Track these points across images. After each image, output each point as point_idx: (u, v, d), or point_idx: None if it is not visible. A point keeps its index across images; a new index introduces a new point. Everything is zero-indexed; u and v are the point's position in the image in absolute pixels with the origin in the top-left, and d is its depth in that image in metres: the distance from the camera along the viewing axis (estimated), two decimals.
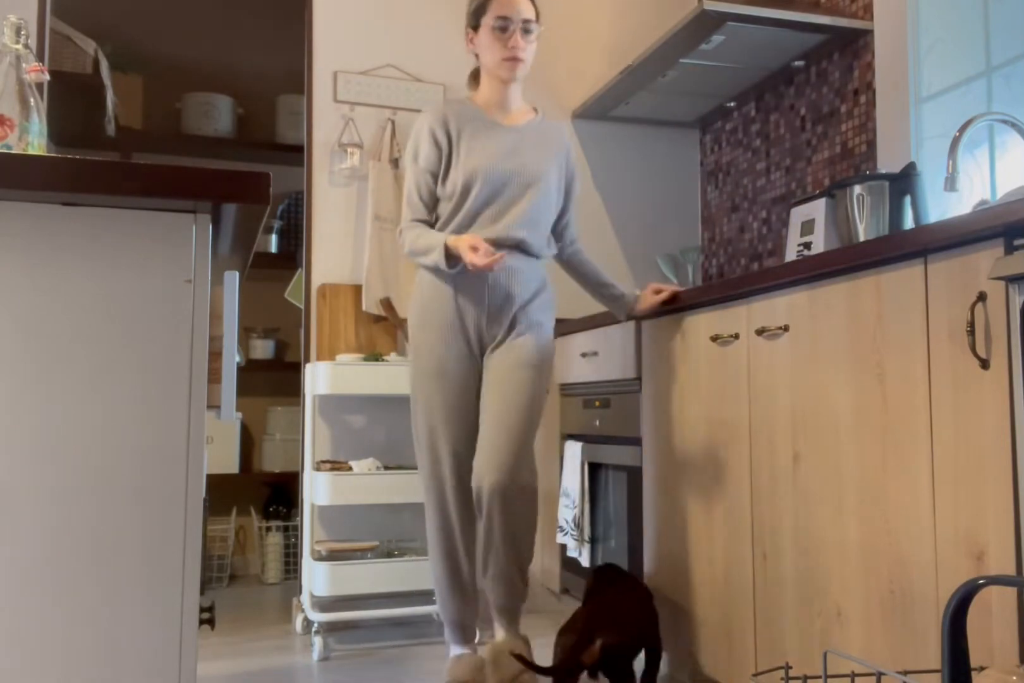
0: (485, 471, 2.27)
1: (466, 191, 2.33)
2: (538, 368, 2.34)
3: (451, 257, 2.26)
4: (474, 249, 2.19)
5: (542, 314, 2.40)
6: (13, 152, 1.29)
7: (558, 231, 2.52)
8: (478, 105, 2.43)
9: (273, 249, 4.35)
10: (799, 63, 2.97)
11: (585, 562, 2.78)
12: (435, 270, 2.34)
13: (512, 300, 2.35)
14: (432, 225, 2.40)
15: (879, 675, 1.09)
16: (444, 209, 2.38)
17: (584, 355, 2.87)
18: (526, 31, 2.31)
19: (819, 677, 1.15)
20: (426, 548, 3.00)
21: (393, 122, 3.30)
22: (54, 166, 1.11)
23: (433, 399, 2.34)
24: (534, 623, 3.02)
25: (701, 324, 2.23)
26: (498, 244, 2.31)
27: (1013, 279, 1.39)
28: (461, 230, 2.34)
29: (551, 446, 3.22)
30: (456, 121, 2.38)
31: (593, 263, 2.59)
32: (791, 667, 1.59)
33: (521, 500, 2.33)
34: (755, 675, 1.38)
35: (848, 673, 1.17)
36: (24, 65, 1.35)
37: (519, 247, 2.36)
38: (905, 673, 1.03)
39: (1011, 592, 1.39)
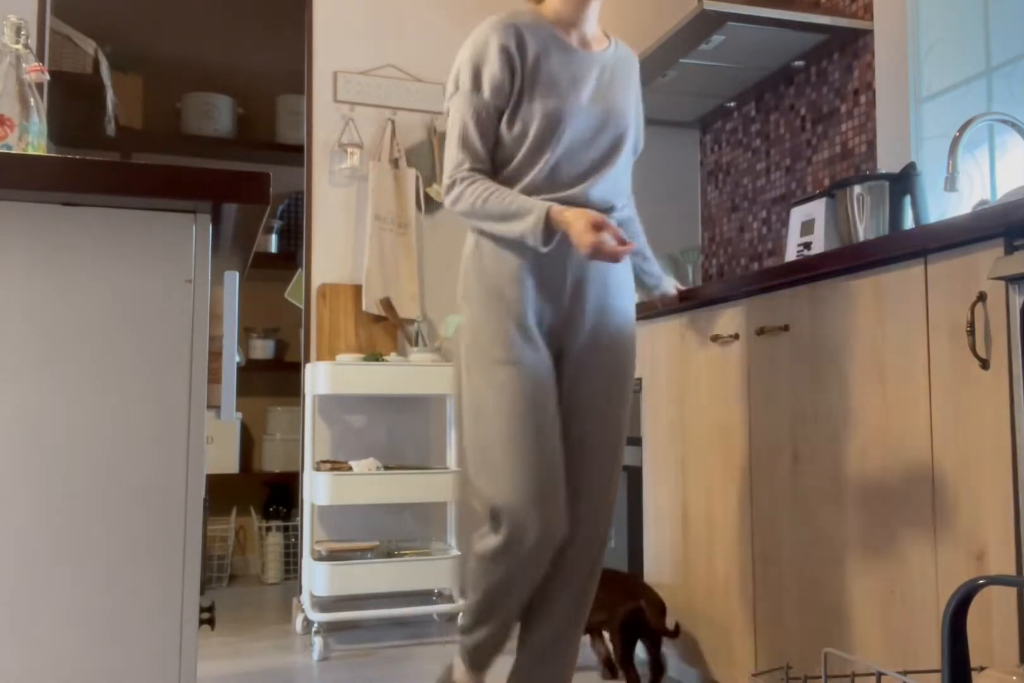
0: (573, 521, 1.83)
1: (544, 138, 1.79)
2: (630, 377, 1.93)
3: (549, 231, 1.74)
4: (597, 228, 1.67)
5: (627, 299, 1.94)
6: (13, 152, 1.29)
7: None
8: (550, 22, 1.86)
9: (273, 249, 4.35)
10: (799, 63, 2.97)
11: None
12: (501, 240, 1.82)
13: (600, 283, 1.86)
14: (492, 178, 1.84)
15: (879, 675, 1.09)
16: (504, 160, 1.84)
17: None
18: None
19: (819, 677, 1.15)
20: (427, 547, 3.00)
21: (393, 122, 3.30)
22: (54, 166, 1.10)
23: (513, 398, 1.76)
24: None
25: (701, 324, 2.23)
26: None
27: (1013, 279, 1.39)
28: (533, 192, 1.81)
29: None
30: (534, 41, 1.81)
31: (641, 229, 2.14)
32: (791, 667, 1.59)
33: (601, 561, 1.93)
34: (755, 675, 1.38)
35: (848, 673, 1.17)
36: (24, 65, 1.35)
37: (608, 216, 1.87)
38: (905, 673, 1.03)
39: (1011, 592, 1.39)
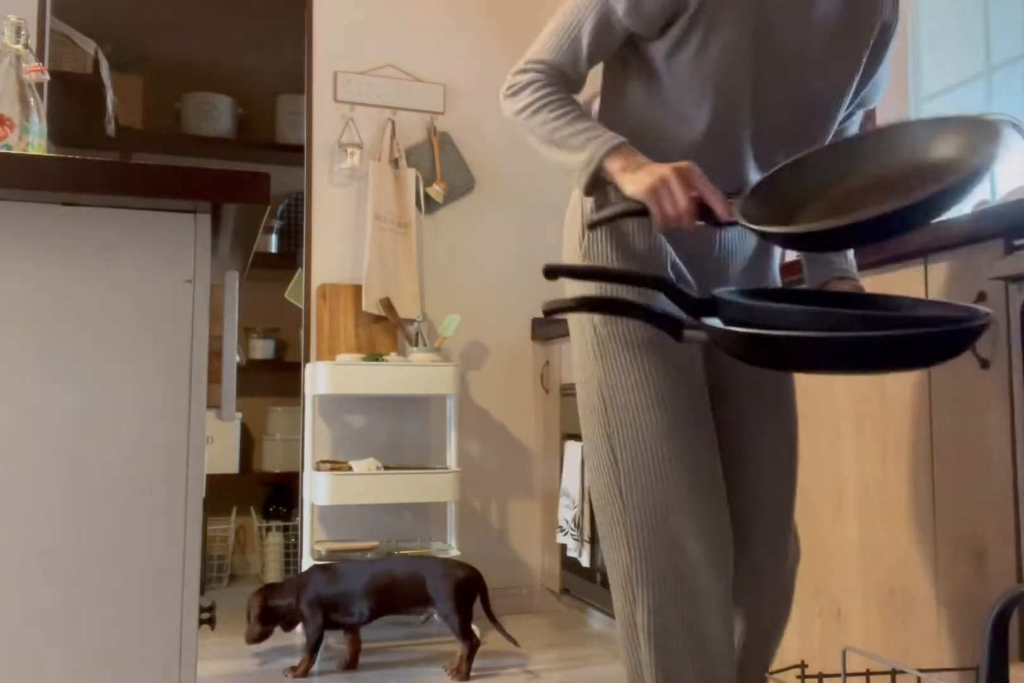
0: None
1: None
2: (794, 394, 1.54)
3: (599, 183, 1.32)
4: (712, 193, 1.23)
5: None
6: (13, 152, 1.29)
7: None
8: None
9: (273, 249, 4.35)
10: None
11: (585, 562, 2.78)
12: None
13: (749, 273, 1.48)
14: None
15: (894, 673, 1.10)
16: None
17: None
18: None
19: (835, 675, 1.15)
20: (427, 547, 3.00)
21: (393, 122, 3.30)
22: (54, 166, 1.10)
23: (677, 401, 1.37)
24: (534, 623, 3.02)
25: None
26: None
27: (1013, 279, 1.39)
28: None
29: (551, 446, 3.22)
30: None
31: None
32: (807, 665, 1.59)
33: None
34: (771, 673, 1.38)
35: (863, 672, 1.17)
36: (24, 65, 1.35)
37: None
38: (922, 672, 1.04)
39: None
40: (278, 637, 2.83)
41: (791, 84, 1.34)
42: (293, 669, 2.44)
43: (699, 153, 1.33)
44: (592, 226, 1.31)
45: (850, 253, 1.50)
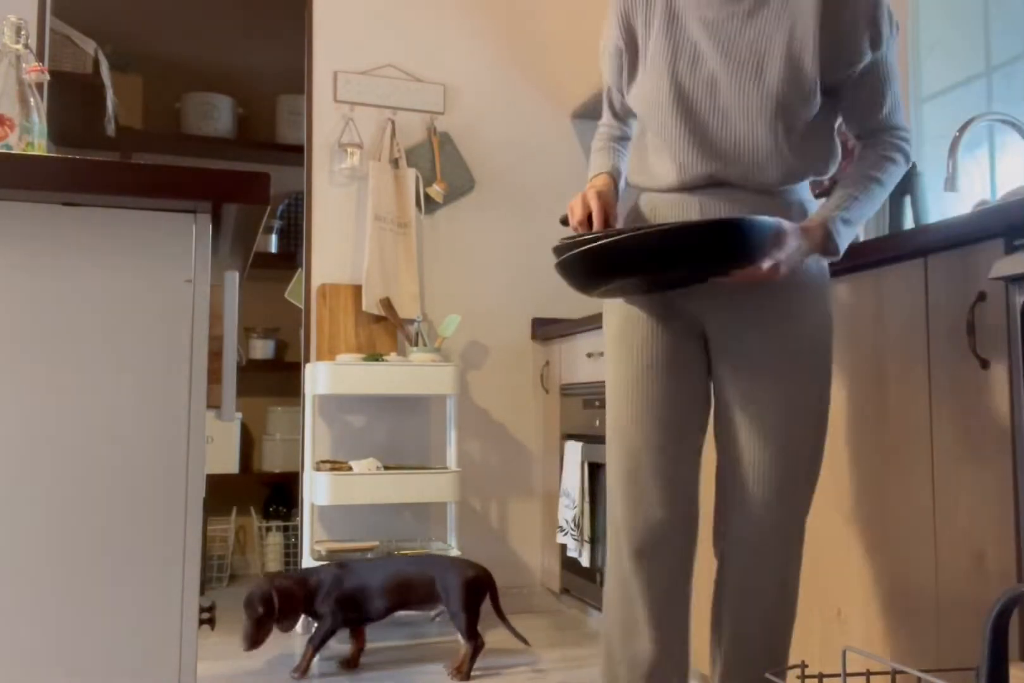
0: None
1: None
2: None
3: None
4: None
5: None
6: (13, 152, 1.29)
7: None
8: None
9: (273, 249, 4.35)
10: None
11: (585, 562, 2.78)
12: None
13: None
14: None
15: (894, 673, 1.10)
16: None
17: (590, 355, 2.87)
18: None
19: (835, 676, 1.15)
20: (427, 547, 3.00)
21: (393, 122, 3.30)
22: (54, 166, 1.11)
23: (627, 388, 1.64)
24: (534, 623, 3.02)
25: None
26: None
27: (1013, 279, 1.39)
28: None
29: (551, 446, 3.22)
30: None
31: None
32: (807, 665, 1.59)
33: None
34: (772, 673, 1.38)
35: (864, 672, 1.17)
36: (24, 65, 1.35)
37: None
38: (923, 672, 1.04)
39: None
40: (278, 637, 2.83)
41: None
42: (302, 670, 2.42)
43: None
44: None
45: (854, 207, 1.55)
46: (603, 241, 1.31)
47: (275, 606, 2.34)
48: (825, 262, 1.59)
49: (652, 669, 1.60)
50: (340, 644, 2.61)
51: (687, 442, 1.59)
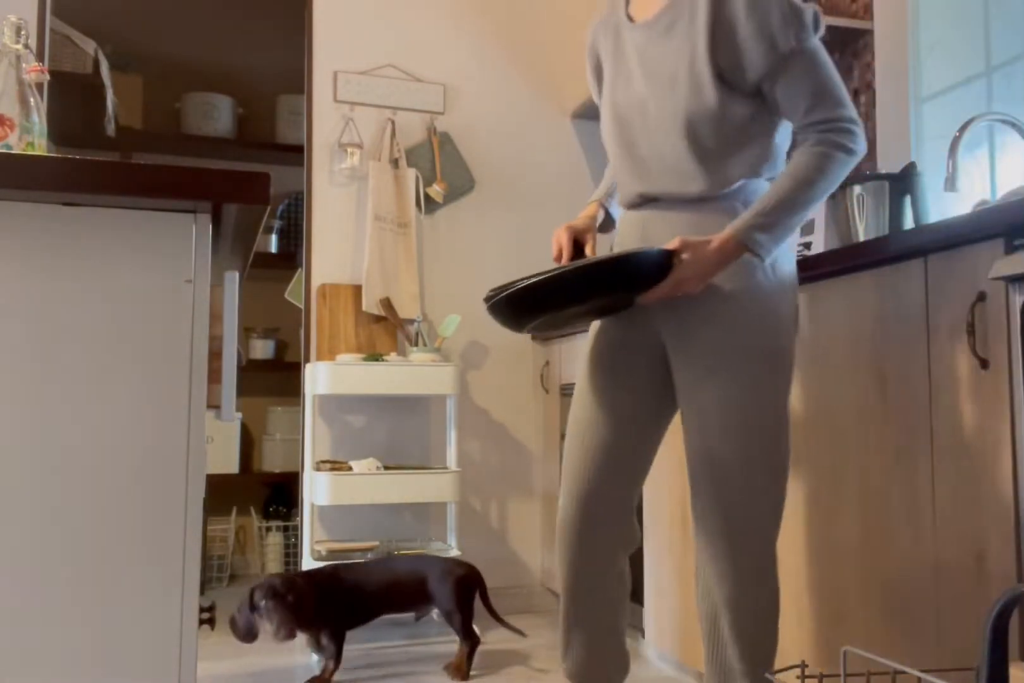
0: None
1: None
2: None
3: None
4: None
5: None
6: (13, 152, 1.29)
7: None
8: None
9: (273, 249, 4.35)
10: None
11: None
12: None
13: None
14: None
15: (895, 673, 1.10)
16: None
17: None
18: None
19: (835, 676, 1.15)
20: (427, 548, 3.00)
21: (393, 122, 3.30)
22: (54, 166, 1.10)
23: (582, 396, 1.79)
24: (534, 623, 3.02)
25: None
26: None
27: (1013, 279, 1.39)
28: None
29: (551, 446, 3.22)
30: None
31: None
32: (807, 665, 1.59)
33: None
34: (771, 673, 1.38)
35: (864, 672, 1.17)
36: (24, 65, 1.35)
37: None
38: (923, 672, 1.04)
39: None
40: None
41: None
42: (318, 680, 2.33)
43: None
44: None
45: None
46: (505, 292, 1.49)
47: (302, 591, 2.24)
48: (788, 268, 1.63)
49: (564, 647, 1.74)
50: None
51: (631, 435, 1.69)
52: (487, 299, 1.55)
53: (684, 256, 1.51)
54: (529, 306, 1.50)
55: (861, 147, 1.56)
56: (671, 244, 1.52)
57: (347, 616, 2.37)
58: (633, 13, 1.70)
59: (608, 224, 1.84)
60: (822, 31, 1.57)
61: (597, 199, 1.82)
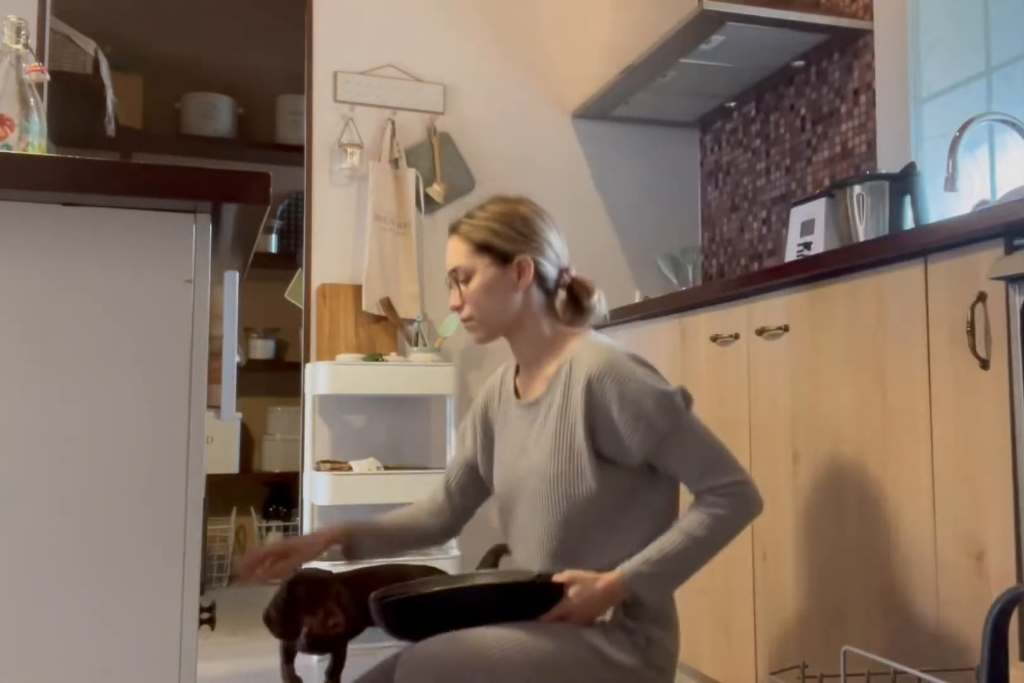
0: None
1: None
2: None
3: None
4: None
5: None
6: (13, 152, 1.29)
7: None
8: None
9: (273, 249, 4.36)
10: (799, 63, 2.97)
11: None
12: None
13: None
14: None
15: (895, 673, 1.10)
16: None
17: None
18: (460, 281, 1.68)
19: (835, 676, 1.15)
20: (426, 549, 3.00)
21: (393, 122, 3.30)
22: (54, 166, 1.10)
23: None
24: None
25: (701, 324, 2.23)
26: None
27: (1013, 279, 1.39)
28: None
29: None
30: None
31: None
32: (807, 665, 1.59)
33: None
34: (773, 674, 1.39)
35: (864, 672, 1.17)
36: (24, 65, 1.35)
37: None
38: (923, 672, 1.04)
39: None
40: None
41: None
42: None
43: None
44: None
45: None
46: (392, 598, 1.58)
47: (340, 588, 2.05)
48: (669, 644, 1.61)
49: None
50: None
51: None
52: (376, 599, 1.59)
53: (571, 591, 1.52)
54: (411, 619, 1.56)
55: (754, 507, 1.57)
56: (560, 577, 1.53)
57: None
58: (520, 387, 1.75)
59: (358, 552, 1.89)
60: (693, 404, 1.60)
61: (354, 528, 1.87)
